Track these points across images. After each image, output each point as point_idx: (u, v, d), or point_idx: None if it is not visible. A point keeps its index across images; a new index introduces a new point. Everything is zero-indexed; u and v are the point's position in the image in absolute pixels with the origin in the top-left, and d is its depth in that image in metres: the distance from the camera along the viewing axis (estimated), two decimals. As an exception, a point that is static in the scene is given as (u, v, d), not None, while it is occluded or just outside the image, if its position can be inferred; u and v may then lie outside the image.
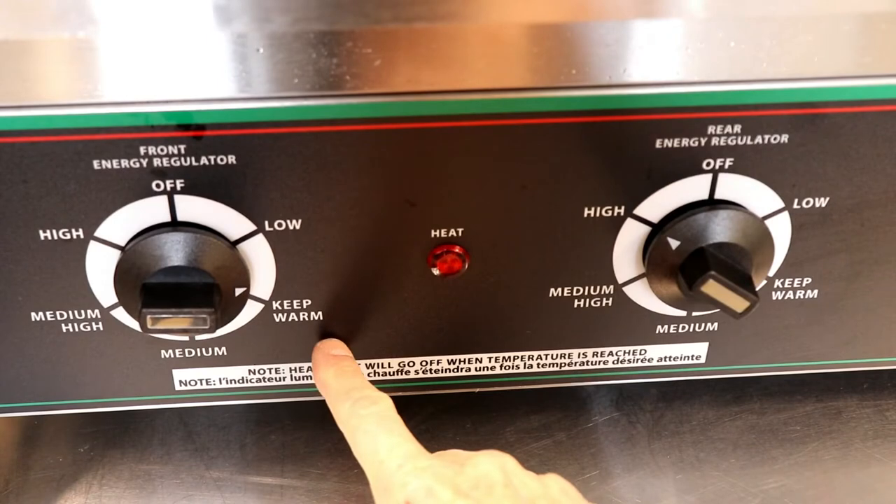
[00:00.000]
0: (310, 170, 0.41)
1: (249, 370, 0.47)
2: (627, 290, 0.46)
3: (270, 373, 0.47)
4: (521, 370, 0.48)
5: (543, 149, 0.41)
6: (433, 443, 0.51)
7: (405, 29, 0.37)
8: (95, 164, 0.40)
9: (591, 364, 0.48)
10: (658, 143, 0.41)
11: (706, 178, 0.42)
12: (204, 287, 0.41)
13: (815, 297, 0.47)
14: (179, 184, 0.40)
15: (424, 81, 0.39)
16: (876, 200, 0.44)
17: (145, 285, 0.41)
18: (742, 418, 0.52)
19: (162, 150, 0.39)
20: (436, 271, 0.44)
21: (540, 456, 0.50)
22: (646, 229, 0.44)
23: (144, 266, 0.41)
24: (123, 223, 0.41)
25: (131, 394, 0.47)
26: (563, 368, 0.48)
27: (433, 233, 0.43)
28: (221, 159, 0.40)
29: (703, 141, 0.41)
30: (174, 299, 0.41)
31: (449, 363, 0.48)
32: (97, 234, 0.41)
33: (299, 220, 0.42)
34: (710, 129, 0.41)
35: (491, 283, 0.45)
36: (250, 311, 0.45)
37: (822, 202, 0.44)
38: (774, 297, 0.47)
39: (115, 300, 0.43)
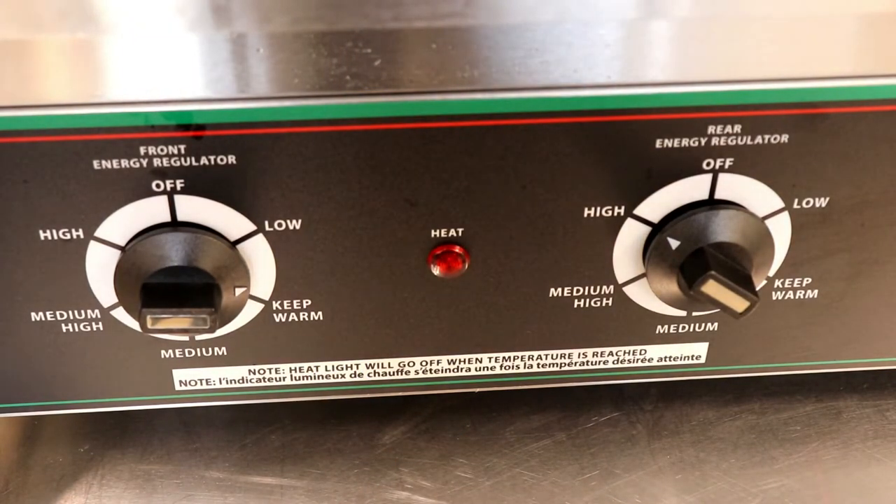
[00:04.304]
0: (310, 170, 0.41)
1: (249, 370, 0.47)
2: (627, 290, 0.46)
3: (270, 373, 0.47)
4: (521, 370, 0.48)
5: (543, 149, 0.41)
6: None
7: (405, 29, 0.37)
8: (95, 164, 0.40)
9: (591, 364, 0.48)
10: (658, 143, 0.41)
11: (706, 178, 0.42)
12: (204, 287, 0.41)
13: (815, 297, 0.47)
14: (179, 184, 0.40)
15: (425, 81, 0.39)
16: (876, 200, 0.44)
17: (145, 285, 0.41)
18: (742, 418, 0.52)
19: (162, 150, 0.39)
20: (436, 271, 0.44)
21: (540, 456, 0.50)
22: (646, 229, 0.44)
23: (144, 266, 0.41)
24: (123, 223, 0.41)
25: (131, 394, 0.47)
26: (563, 368, 0.48)
27: (433, 233, 0.43)
28: (221, 159, 0.40)
29: (703, 141, 0.41)
30: (174, 299, 0.41)
31: (449, 363, 0.48)
32: (97, 234, 0.41)
33: (299, 220, 0.42)
34: (710, 129, 0.41)
35: (491, 283, 0.45)
36: (250, 311, 0.45)
37: (822, 202, 0.44)
38: (774, 297, 0.47)
39: (115, 300, 0.43)
